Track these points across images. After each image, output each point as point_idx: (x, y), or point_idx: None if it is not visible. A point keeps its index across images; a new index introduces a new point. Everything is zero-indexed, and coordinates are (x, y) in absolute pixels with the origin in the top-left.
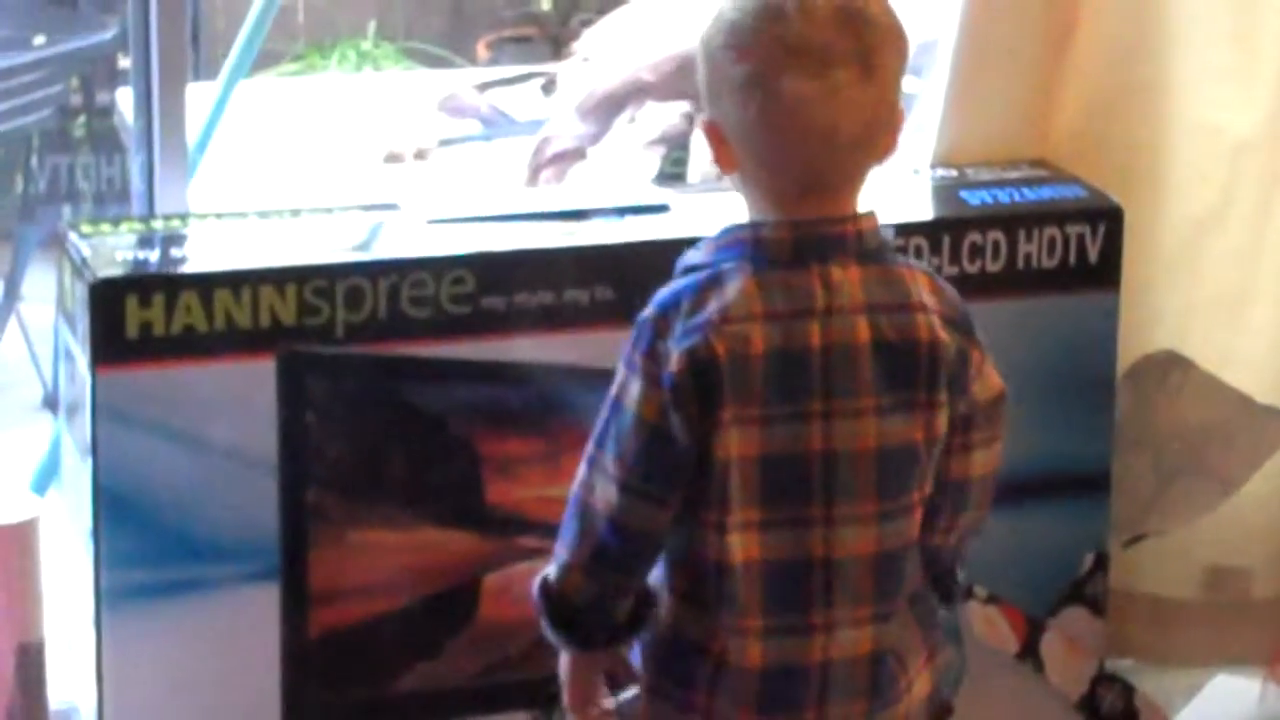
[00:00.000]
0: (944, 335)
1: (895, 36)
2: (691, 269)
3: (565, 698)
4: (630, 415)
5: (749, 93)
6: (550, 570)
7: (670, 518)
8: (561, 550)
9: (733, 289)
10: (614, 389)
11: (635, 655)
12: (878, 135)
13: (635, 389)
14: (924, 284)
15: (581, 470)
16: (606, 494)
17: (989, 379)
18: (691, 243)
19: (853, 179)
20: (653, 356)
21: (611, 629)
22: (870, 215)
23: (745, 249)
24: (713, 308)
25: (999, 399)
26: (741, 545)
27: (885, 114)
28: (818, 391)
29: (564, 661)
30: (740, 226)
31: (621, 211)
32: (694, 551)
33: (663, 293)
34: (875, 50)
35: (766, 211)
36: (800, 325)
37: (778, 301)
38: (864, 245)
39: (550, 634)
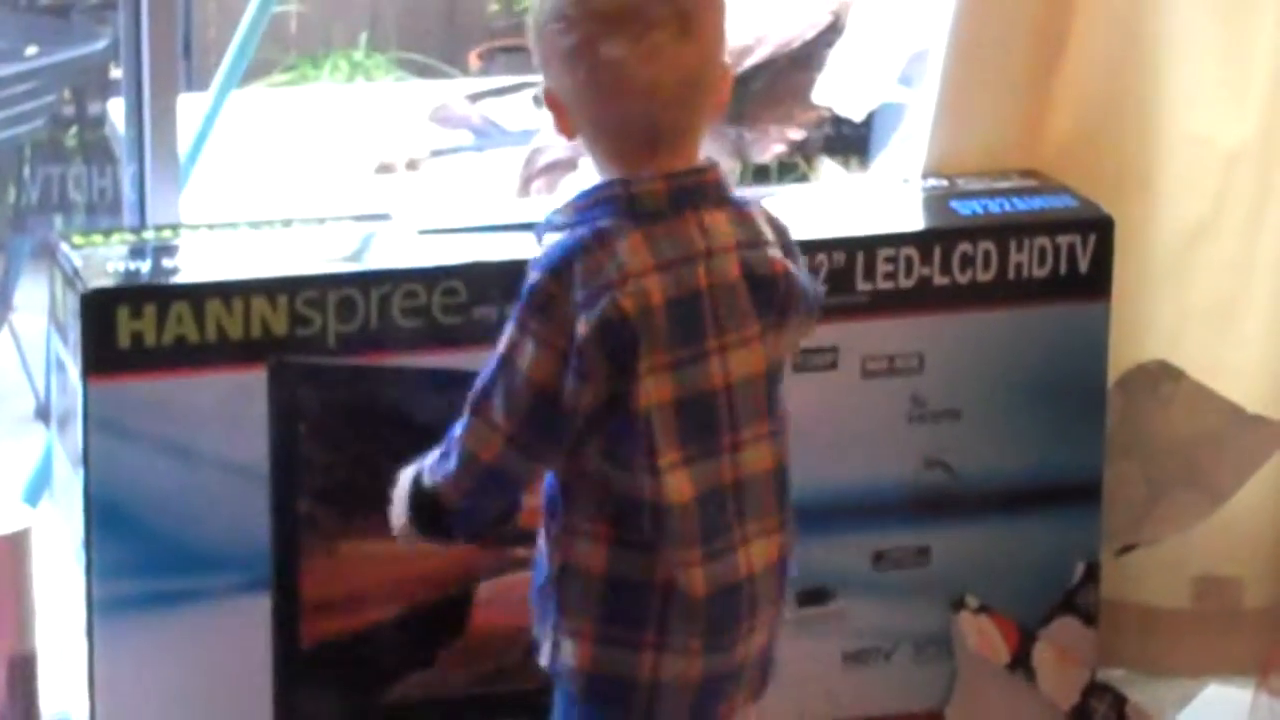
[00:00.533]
0: (790, 266)
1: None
2: (560, 229)
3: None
4: (521, 376)
5: (576, 61)
6: (426, 478)
7: (553, 464)
8: (439, 474)
9: (623, 246)
10: (504, 347)
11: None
12: (703, 92)
13: (529, 351)
14: (764, 221)
15: (465, 416)
16: (491, 443)
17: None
18: None
19: (685, 134)
20: (551, 321)
21: (476, 531)
22: (717, 164)
23: (619, 205)
24: (611, 268)
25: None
26: (675, 485)
27: (707, 71)
28: (711, 329)
29: (403, 528)
30: (606, 185)
31: None
32: (628, 496)
33: (548, 255)
34: (692, 12)
35: (614, 171)
36: (689, 270)
37: (665, 251)
38: (721, 191)
39: (413, 526)
